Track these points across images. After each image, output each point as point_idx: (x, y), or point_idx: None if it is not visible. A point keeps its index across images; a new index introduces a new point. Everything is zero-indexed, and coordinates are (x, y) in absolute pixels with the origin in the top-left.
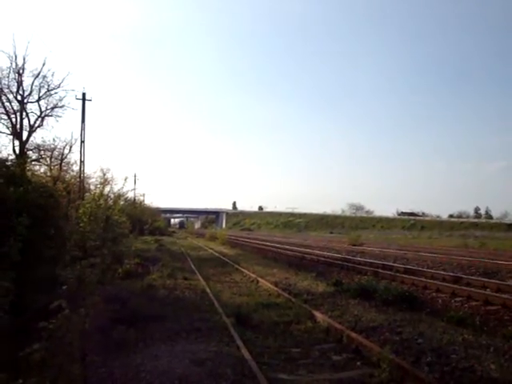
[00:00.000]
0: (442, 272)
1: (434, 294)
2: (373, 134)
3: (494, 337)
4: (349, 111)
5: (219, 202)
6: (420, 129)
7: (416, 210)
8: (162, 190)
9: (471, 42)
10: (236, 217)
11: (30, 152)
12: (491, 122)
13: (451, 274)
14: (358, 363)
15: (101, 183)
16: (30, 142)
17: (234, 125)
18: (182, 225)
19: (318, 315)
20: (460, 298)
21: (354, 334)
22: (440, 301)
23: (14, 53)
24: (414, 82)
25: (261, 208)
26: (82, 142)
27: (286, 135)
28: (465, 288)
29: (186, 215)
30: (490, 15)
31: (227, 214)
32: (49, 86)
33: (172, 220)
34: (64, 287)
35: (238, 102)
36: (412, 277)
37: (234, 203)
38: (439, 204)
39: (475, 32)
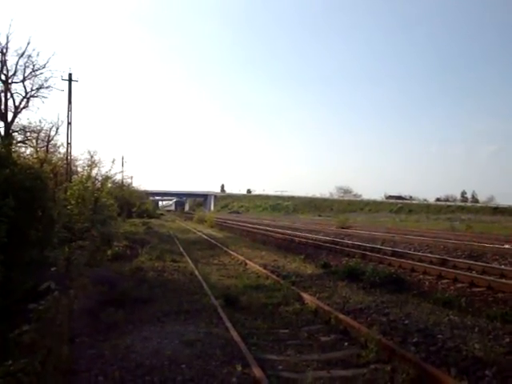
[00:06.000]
0: (429, 255)
1: (420, 276)
2: (362, 118)
3: (479, 317)
4: (342, 96)
5: (207, 184)
6: (411, 113)
7: (404, 193)
8: (150, 172)
9: (467, 26)
10: (224, 200)
11: (16, 133)
12: (484, 106)
13: (438, 256)
14: (346, 344)
15: (88, 165)
16: (15, 123)
17: (223, 108)
18: (179, 205)
19: (307, 297)
20: (446, 280)
21: (341, 316)
22: (427, 283)
23: None
24: (406, 67)
25: (249, 191)
26: (69, 123)
27: (276, 119)
28: (451, 270)
29: (173, 198)
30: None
31: (215, 196)
32: (34, 66)
33: (160, 202)
34: (53, 269)
35: (229, 85)
36: (399, 259)
37: (223, 186)
38: (429, 187)
39: (471, 17)
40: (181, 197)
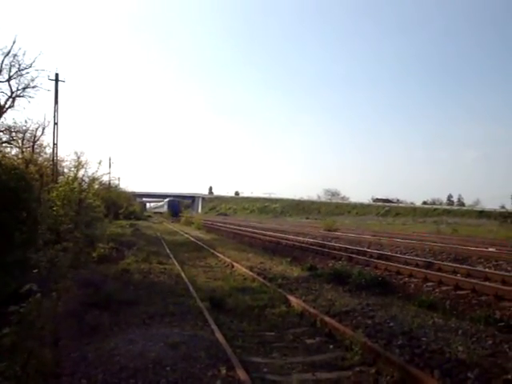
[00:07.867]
0: (415, 257)
1: (406, 278)
2: (350, 122)
3: (463, 320)
4: (327, 99)
5: (195, 186)
6: (399, 116)
7: (391, 196)
8: (138, 174)
9: (455, 30)
10: (212, 202)
11: (1, 133)
12: (472, 111)
13: (424, 259)
14: (331, 346)
15: (75, 166)
16: (0, 123)
17: (212, 110)
18: (173, 207)
19: (293, 299)
20: (431, 283)
21: (327, 318)
22: (412, 285)
23: None
24: (393, 70)
25: (237, 193)
26: (55, 123)
27: (264, 121)
28: (436, 273)
29: (162, 199)
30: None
31: (203, 198)
32: (20, 65)
33: (148, 204)
34: (35, 271)
35: (218, 87)
36: (385, 262)
37: (211, 188)
38: (416, 191)
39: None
40: (174, 198)
